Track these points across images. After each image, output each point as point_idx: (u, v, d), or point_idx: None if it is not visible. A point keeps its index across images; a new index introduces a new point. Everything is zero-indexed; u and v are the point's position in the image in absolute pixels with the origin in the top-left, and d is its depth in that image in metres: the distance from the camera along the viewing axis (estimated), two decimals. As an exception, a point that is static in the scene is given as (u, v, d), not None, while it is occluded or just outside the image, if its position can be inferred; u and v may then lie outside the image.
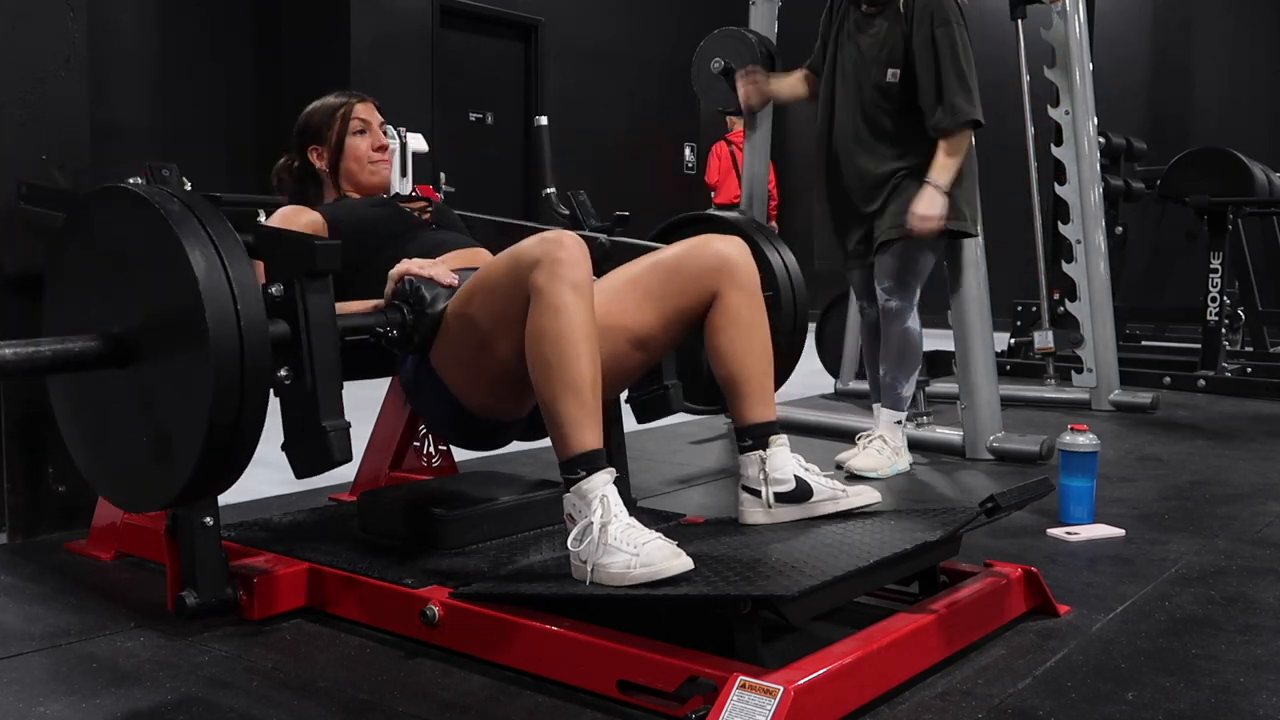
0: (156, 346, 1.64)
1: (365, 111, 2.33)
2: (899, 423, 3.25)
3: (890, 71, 3.10)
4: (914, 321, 3.19)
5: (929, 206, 3.02)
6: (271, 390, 1.67)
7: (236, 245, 1.60)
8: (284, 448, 1.75)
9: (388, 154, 2.35)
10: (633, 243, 2.38)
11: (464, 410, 1.98)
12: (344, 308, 1.86)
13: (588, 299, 1.76)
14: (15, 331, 2.42)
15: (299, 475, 1.76)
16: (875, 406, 3.35)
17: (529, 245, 1.80)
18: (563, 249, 1.76)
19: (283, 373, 1.70)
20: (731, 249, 2.03)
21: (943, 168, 3.04)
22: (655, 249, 2.18)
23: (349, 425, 1.72)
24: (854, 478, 3.06)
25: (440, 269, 2.00)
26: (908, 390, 3.22)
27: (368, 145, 2.32)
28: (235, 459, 1.62)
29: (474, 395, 1.96)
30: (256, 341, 1.57)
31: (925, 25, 3.03)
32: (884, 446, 3.20)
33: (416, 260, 2.01)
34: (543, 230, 1.99)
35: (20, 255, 2.44)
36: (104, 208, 1.72)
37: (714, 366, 2.06)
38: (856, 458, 3.19)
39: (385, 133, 2.36)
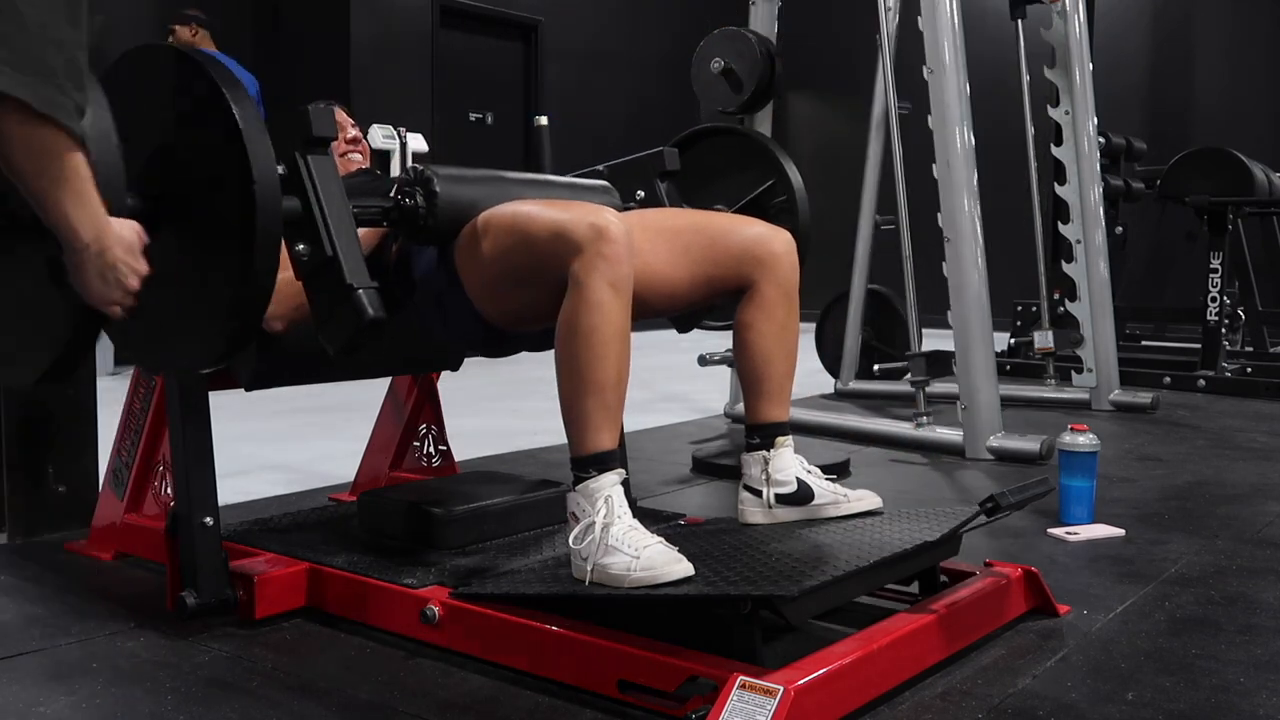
0: (176, 213, 1.65)
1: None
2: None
3: None
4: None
5: None
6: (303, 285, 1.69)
7: (256, 115, 1.60)
8: (317, 330, 1.71)
9: (361, 145, 2.35)
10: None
11: (480, 318, 1.92)
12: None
13: (626, 297, 1.73)
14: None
15: (335, 352, 1.71)
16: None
17: (576, 225, 1.73)
18: (607, 243, 1.70)
19: (300, 248, 1.67)
20: (778, 243, 2.03)
21: None
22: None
23: (376, 285, 1.68)
24: None
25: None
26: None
27: (339, 139, 2.33)
28: (249, 325, 1.66)
29: (492, 311, 1.90)
30: (269, 208, 1.57)
31: None
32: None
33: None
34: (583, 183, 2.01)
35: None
36: (130, 78, 1.70)
37: (738, 357, 2.06)
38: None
39: (366, 133, 2.38)
